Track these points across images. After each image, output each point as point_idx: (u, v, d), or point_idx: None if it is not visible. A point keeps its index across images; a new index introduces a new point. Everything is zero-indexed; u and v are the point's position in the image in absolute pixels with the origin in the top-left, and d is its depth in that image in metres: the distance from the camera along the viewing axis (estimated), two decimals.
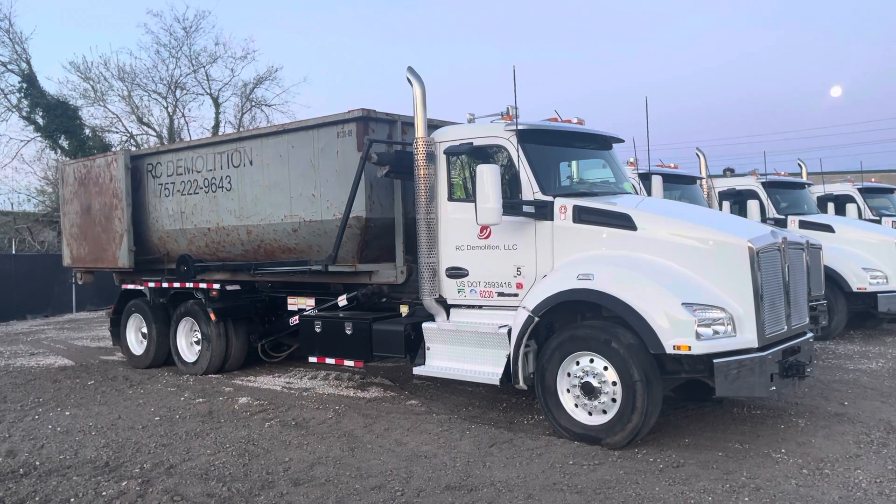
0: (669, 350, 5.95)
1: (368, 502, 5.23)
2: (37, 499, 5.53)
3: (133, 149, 23.12)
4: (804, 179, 15.27)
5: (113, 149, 26.88)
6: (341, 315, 8.57)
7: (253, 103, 32.14)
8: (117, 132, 30.07)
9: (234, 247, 9.96)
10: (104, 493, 5.57)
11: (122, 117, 30.09)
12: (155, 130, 30.70)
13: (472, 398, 8.38)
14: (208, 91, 31.30)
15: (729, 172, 16.37)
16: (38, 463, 6.42)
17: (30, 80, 27.15)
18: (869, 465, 5.76)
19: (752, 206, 12.53)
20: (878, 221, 14.86)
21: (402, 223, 8.15)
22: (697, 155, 13.49)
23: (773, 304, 6.42)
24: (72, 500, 5.48)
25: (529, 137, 7.16)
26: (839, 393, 8.17)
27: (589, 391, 6.39)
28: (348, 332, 8.22)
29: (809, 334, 7.14)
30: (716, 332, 5.99)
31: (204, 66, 30.77)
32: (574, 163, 7.97)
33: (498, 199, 6.64)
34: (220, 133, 28.46)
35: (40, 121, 27.52)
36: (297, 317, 9.20)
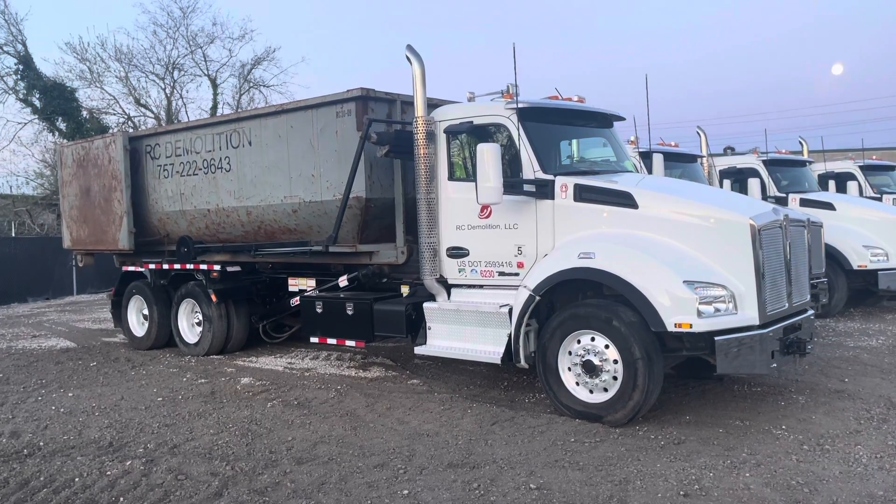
0: (671, 328, 5.96)
1: (371, 480, 5.27)
2: (41, 479, 5.57)
3: (131, 130, 23.07)
4: (805, 157, 15.21)
5: (111, 130, 26.79)
6: (342, 296, 8.57)
7: (251, 84, 32.05)
8: (115, 114, 29.99)
9: (235, 228, 9.94)
10: (108, 473, 5.60)
11: (119, 99, 30.01)
12: (153, 112, 30.59)
13: (473, 377, 8.41)
14: (206, 72, 31.18)
15: (730, 150, 16.31)
16: (42, 443, 6.46)
17: (26, 61, 26.96)
18: (869, 440, 5.80)
19: (753, 184, 12.49)
20: (879, 199, 14.85)
21: (402, 203, 8.13)
22: (698, 133, 13.43)
23: (775, 281, 6.42)
24: (76, 479, 5.51)
25: (530, 116, 7.12)
26: (839, 370, 8.20)
27: (590, 369, 6.40)
28: (349, 313, 8.23)
29: (810, 311, 7.15)
30: (717, 310, 5.99)
31: (201, 47, 30.64)
32: (575, 141, 7.93)
33: (498, 178, 6.62)
34: (218, 114, 28.32)
35: (37, 103, 27.37)
36: (297, 298, 9.20)
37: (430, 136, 7.40)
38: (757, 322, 6.11)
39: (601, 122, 7.97)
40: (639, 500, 4.77)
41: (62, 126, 27.58)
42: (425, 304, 7.66)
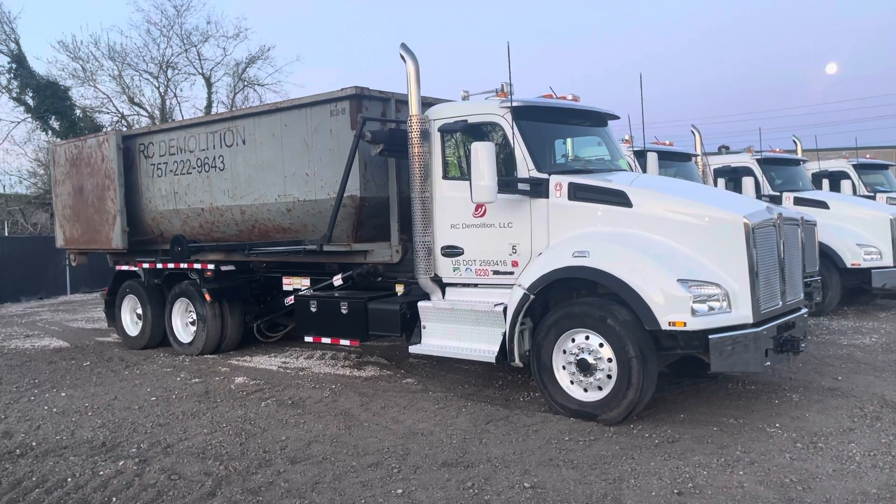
0: (665, 326, 5.96)
1: (365, 479, 5.26)
2: (34, 479, 5.54)
3: (125, 129, 22.98)
4: (799, 156, 15.26)
5: (104, 129, 26.68)
6: (337, 295, 8.55)
7: (245, 83, 31.99)
8: (108, 112, 29.89)
9: (229, 227, 9.91)
10: (101, 473, 5.58)
11: (112, 97, 29.91)
12: (147, 111, 30.51)
13: (468, 376, 8.40)
14: (200, 71, 31.10)
15: (724, 149, 16.37)
16: (34, 444, 6.43)
17: (19, 60, 26.83)
18: (862, 438, 5.81)
19: (748, 182, 12.53)
20: (873, 197, 14.89)
21: (396, 202, 8.11)
22: (693, 132, 13.44)
23: (769, 280, 6.43)
24: (69, 479, 5.49)
25: (524, 114, 7.11)
26: (833, 368, 8.23)
27: (584, 368, 6.41)
28: (344, 312, 8.22)
29: (804, 310, 7.17)
30: (711, 309, 6.00)
31: (195, 46, 30.56)
32: (569, 140, 7.94)
33: (493, 177, 6.61)
34: (212, 113, 28.23)
35: (30, 102, 27.24)
36: (292, 297, 9.19)
37: (425, 135, 7.39)
38: (751, 320, 6.12)
39: (595, 120, 7.98)
40: (633, 499, 4.77)
41: (55, 125, 27.44)
42: (420, 303, 7.65)
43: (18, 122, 27.80)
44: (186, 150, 10.20)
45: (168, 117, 29.69)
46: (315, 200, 8.60)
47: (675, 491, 4.85)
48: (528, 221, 6.96)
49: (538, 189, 6.88)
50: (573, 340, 6.50)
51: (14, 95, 27.29)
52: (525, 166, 6.96)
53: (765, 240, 6.42)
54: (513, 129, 6.98)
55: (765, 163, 13.57)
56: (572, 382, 6.53)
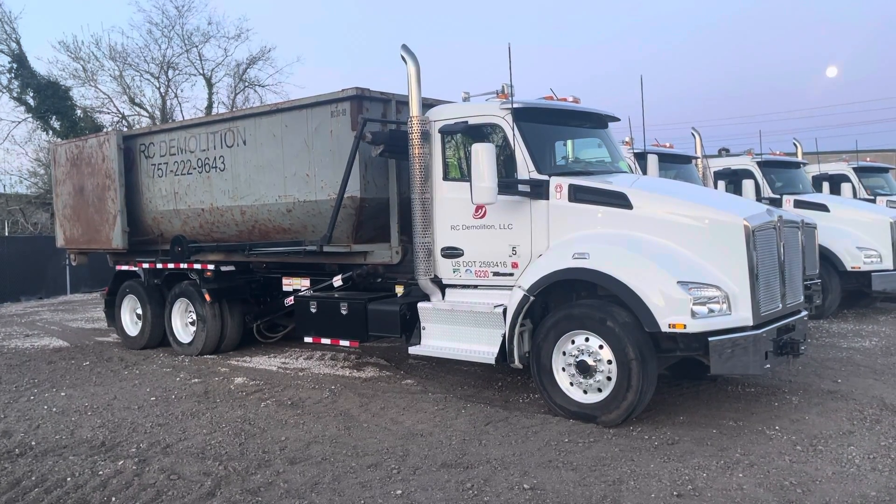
0: (664, 328, 5.96)
1: (365, 480, 5.26)
2: (33, 478, 5.54)
3: (125, 129, 22.99)
4: (799, 159, 15.26)
5: (105, 129, 26.69)
6: (336, 295, 8.55)
7: (246, 84, 32.03)
8: (109, 113, 29.90)
9: (229, 227, 9.91)
10: (101, 473, 5.58)
11: (113, 98, 29.93)
12: (147, 111, 30.53)
13: (467, 377, 8.40)
14: (201, 71, 31.13)
15: (724, 152, 16.37)
16: (33, 443, 6.42)
17: (20, 60, 26.83)
18: (862, 441, 5.81)
19: (748, 185, 12.54)
20: (873, 201, 14.90)
21: (396, 203, 8.12)
22: (693, 134, 13.45)
23: (769, 282, 6.43)
24: (68, 479, 5.48)
25: (525, 116, 7.12)
26: (833, 371, 8.22)
27: (584, 370, 6.40)
28: (344, 313, 8.22)
29: (804, 312, 7.16)
30: (711, 311, 6.00)
31: (196, 46, 30.59)
32: (570, 142, 7.94)
33: (493, 178, 6.62)
34: (213, 113, 28.23)
35: (31, 101, 27.24)
36: (292, 297, 9.19)
37: (425, 136, 7.39)
38: (751, 323, 6.11)
39: (596, 122, 7.98)
40: (632, 501, 4.77)
41: (56, 125, 27.45)
42: (420, 304, 7.65)
43: (19, 122, 27.85)
44: (187, 151, 10.21)
45: (168, 118, 29.71)
46: (315, 201, 8.60)
47: (675, 493, 4.85)
48: (529, 223, 6.96)
49: (538, 190, 6.88)
50: (573, 342, 6.50)
51: (15, 95, 27.31)
52: (525, 168, 6.96)
53: (765, 242, 6.42)
54: (513, 130, 6.99)
55: (765, 165, 13.57)
56: (572, 384, 6.53)
